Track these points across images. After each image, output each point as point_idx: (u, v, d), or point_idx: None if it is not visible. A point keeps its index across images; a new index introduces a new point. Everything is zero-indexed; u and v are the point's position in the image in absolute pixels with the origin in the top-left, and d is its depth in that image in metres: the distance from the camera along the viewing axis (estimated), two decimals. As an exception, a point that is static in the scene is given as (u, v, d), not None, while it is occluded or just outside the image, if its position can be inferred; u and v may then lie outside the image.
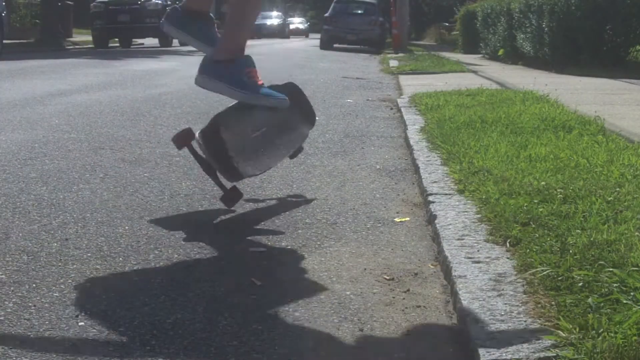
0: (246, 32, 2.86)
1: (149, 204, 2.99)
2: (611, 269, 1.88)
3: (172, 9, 2.90)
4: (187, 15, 2.85)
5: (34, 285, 2.07)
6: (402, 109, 5.91)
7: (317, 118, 4.53)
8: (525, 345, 1.58)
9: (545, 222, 2.35)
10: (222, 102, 6.61)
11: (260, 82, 2.79)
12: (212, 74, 2.78)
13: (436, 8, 39.36)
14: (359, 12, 24.42)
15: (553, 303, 1.77)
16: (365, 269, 2.31)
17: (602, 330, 1.58)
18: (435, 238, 2.53)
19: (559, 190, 2.73)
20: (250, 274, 2.21)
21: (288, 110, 2.85)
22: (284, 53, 18.07)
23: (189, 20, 2.84)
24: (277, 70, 11.39)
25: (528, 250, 2.12)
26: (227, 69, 2.75)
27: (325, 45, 22.25)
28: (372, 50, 22.42)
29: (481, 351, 1.58)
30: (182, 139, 2.87)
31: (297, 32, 51.58)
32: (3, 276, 2.13)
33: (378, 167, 3.92)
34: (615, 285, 1.80)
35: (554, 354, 1.53)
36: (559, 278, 1.89)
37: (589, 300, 1.74)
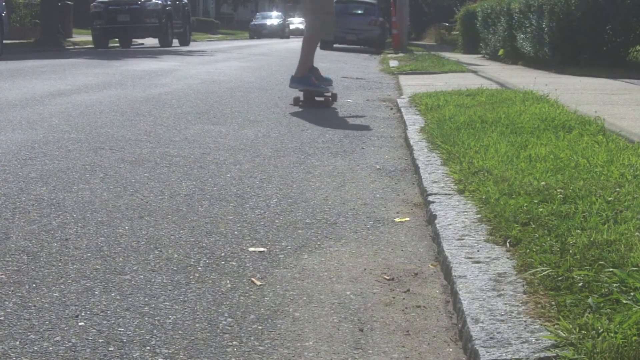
0: (310, 59, 6.60)
1: (149, 204, 2.99)
2: (611, 269, 1.88)
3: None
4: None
5: (34, 285, 2.07)
6: (402, 109, 5.91)
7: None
8: (525, 345, 1.58)
9: (545, 222, 2.35)
10: (221, 101, 6.62)
11: (318, 80, 6.61)
12: (296, 82, 6.54)
13: (436, 8, 39.33)
14: (359, 12, 24.40)
15: (553, 303, 1.77)
16: (365, 269, 2.31)
17: (602, 330, 1.58)
18: (435, 238, 2.53)
19: (559, 190, 2.73)
20: (250, 274, 2.21)
21: None
22: (285, 53, 18.05)
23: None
24: (277, 71, 11.40)
25: (528, 250, 2.12)
26: (302, 79, 6.50)
27: (325, 45, 22.23)
28: (372, 50, 22.42)
29: (481, 351, 1.58)
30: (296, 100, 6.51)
31: (297, 32, 51.58)
32: (3, 276, 2.13)
33: (378, 167, 3.92)
34: (615, 285, 1.80)
35: (554, 354, 1.53)
36: (559, 278, 1.89)
37: (589, 300, 1.74)
